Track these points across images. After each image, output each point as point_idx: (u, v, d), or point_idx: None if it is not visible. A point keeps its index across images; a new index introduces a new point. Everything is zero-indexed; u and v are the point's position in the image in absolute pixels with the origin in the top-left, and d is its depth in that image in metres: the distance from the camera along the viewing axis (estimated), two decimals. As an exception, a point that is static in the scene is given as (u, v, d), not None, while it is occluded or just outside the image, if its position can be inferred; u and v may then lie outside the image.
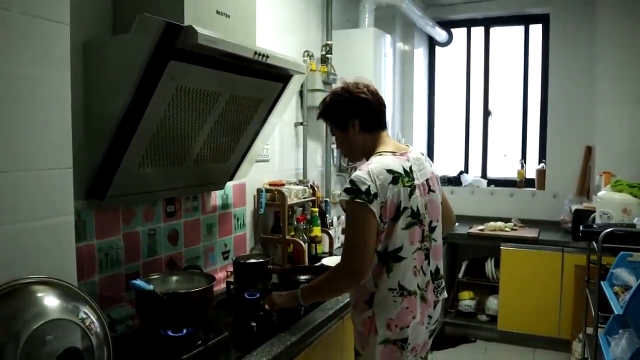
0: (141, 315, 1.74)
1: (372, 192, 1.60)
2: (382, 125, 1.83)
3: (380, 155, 1.73)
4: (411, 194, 1.69)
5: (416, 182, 1.72)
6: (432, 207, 1.79)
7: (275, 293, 1.92)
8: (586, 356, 3.32)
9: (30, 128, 1.19)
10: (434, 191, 1.82)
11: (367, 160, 1.77)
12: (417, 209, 1.71)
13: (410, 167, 1.73)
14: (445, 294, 1.89)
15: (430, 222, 1.79)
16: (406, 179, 1.68)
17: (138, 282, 1.68)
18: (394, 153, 1.75)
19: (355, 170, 1.70)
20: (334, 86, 1.96)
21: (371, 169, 1.64)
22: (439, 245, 1.84)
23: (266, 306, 1.88)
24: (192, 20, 1.59)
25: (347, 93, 1.79)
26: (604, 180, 3.69)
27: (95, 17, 1.74)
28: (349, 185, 1.64)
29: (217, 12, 1.77)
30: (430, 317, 1.81)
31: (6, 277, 1.14)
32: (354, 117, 1.77)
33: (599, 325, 2.73)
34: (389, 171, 1.65)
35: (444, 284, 1.88)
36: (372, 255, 1.65)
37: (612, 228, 2.82)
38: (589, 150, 4.27)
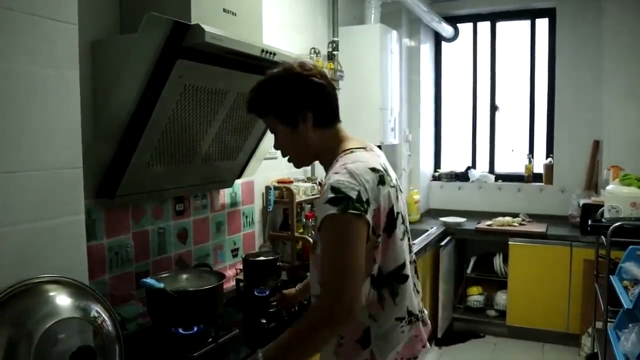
0: (152, 313, 1.75)
1: (364, 198, 1.24)
2: (338, 117, 1.45)
3: (352, 152, 1.36)
4: (396, 196, 1.37)
5: (393, 181, 1.40)
6: (404, 207, 1.47)
7: None
8: (595, 350, 3.31)
9: (40, 128, 1.20)
10: (401, 191, 1.48)
11: (325, 164, 1.43)
12: (403, 214, 1.41)
13: (384, 164, 1.40)
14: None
15: (408, 224, 1.49)
16: (388, 177, 1.36)
17: (149, 280, 1.69)
18: (365, 149, 1.40)
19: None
20: (277, 69, 1.42)
21: (353, 170, 1.27)
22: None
23: None
24: (199, 19, 1.59)
25: (295, 76, 1.37)
26: (612, 174, 3.67)
27: (103, 16, 1.75)
28: (332, 195, 1.23)
29: (224, 10, 1.77)
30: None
31: (18, 276, 1.15)
32: (306, 108, 1.37)
33: (609, 319, 2.72)
34: (373, 170, 1.30)
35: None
36: (365, 282, 1.30)
37: (621, 222, 2.81)
38: (596, 145, 4.25)
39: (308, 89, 1.36)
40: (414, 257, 1.49)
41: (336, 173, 1.28)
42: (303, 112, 1.37)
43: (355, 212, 1.22)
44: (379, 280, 1.34)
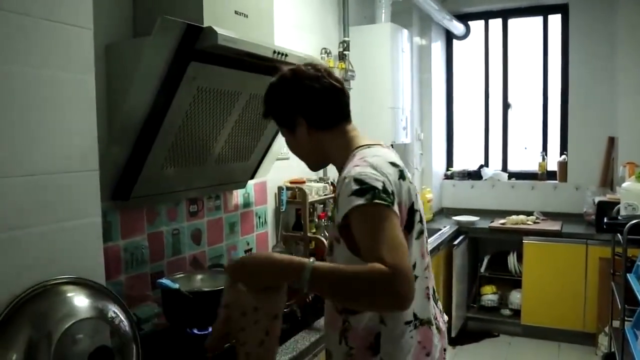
0: (167, 313, 1.76)
1: (390, 190, 1.19)
2: (344, 117, 1.40)
3: (369, 147, 1.33)
4: (416, 193, 1.33)
5: (411, 178, 1.36)
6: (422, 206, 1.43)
7: (257, 256, 1.34)
8: (612, 350, 3.28)
9: (57, 131, 1.22)
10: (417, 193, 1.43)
11: (337, 165, 1.38)
12: (422, 212, 1.35)
13: (401, 162, 1.36)
14: (445, 316, 1.52)
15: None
16: (408, 174, 1.32)
17: (164, 281, 1.71)
18: (381, 145, 1.37)
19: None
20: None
21: (374, 162, 1.23)
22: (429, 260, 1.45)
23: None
24: (211, 21, 1.61)
25: (284, 81, 1.37)
26: (628, 171, 3.63)
27: (117, 20, 1.77)
28: (357, 186, 1.17)
29: (236, 12, 1.78)
30: (445, 349, 1.44)
31: (37, 277, 1.16)
32: (297, 112, 1.36)
33: (626, 318, 2.69)
34: (392, 164, 1.27)
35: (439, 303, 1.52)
36: None
37: (638, 219, 2.78)
38: (611, 141, 4.20)
39: (298, 94, 1.35)
40: (429, 261, 1.40)
41: (356, 166, 1.22)
42: (295, 116, 1.36)
43: (382, 202, 1.15)
44: None
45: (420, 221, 1.33)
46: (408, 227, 1.27)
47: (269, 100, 1.40)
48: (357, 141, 1.36)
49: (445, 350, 1.44)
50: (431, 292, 1.40)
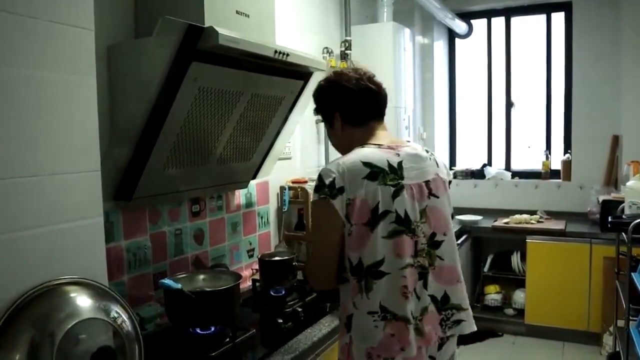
0: (170, 313, 1.76)
1: (337, 186, 1.39)
2: (374, 116, 1.58)
3: (362, 147, 1.49)
4: (396, 194, 1.40)
5: (406, 181, 1.43)
6: (433, 215, 1.48)
7: None
8: (617, 349, 3.26)
9: (59, 132, 1.22)
10: (437, 197, 1.50)
11: None
12: (406, 214, 1.41)
13: (400, 163, 1.45)
14: (464, 329, 1.51)
15: (433, 234, 1.48)
16: (390, 176, 1.41)
17: (166, 281, 1.71)
18: (380, 146, 1.49)
19: None
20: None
21: (342, 161, 1.43)
22: (448, 266, 1.50)
23: None
24: (213, 21, 1.61)
25: (327, 82, 1.61)
26: (632, 169, 3.62)
27: (118, 21, 1.77)
28: (316, 182, 1.43)
29: (237, 12, 1.78)
30: (432, 358, 1.47)
31: (40, 278, 1.16)
32: (334, 109, 1.58)
33: (631, 318, 2.68)
34: (366, 164, 1.41)
35: (461, 315, 1.50)
36: (334, 264, 1.46)
37: (642, 218, 2.76)
38: (615, 140, 4.19)
39: (336, 93, 1.57)
40: (421, 261, 1.44)
41: (332, 162, 1.46)
42: (333, 112, 1.58)
43: (322, 196, 1.40)
44: (358, 270, 1.42)
45: (397, 222, 1.40)
46: (370, 224, 1.39)
47: (316, 98, 1.65)
48: (370, 139, 1.54)
49: (433, 358, 1.46)
50: (416, 293, 1.43)
